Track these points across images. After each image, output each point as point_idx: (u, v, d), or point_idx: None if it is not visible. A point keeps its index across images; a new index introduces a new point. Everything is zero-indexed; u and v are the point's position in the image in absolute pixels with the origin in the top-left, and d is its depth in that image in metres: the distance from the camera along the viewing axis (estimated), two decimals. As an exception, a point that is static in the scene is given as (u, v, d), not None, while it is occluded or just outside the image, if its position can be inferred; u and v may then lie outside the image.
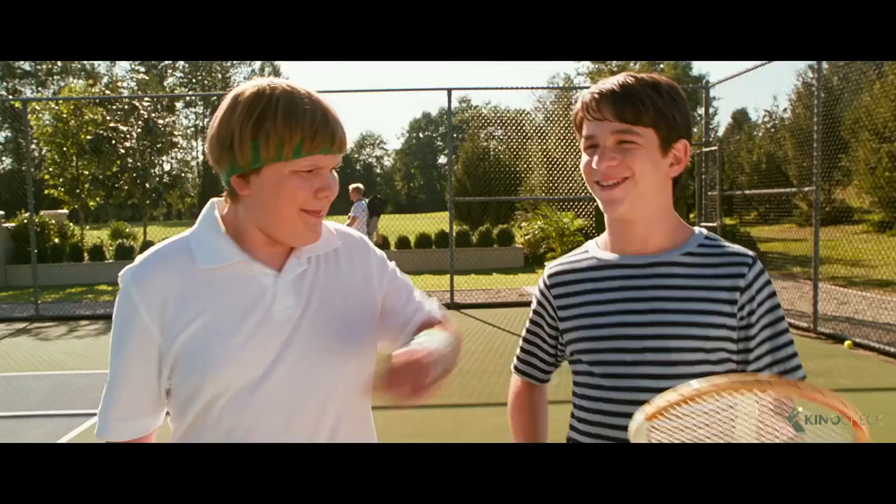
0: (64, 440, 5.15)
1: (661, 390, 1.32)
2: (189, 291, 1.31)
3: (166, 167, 24.76)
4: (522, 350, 1.74)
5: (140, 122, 21.19)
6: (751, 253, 1.47)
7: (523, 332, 1.74)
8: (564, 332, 1.57)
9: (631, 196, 1.43)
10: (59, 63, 61.09)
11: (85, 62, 60.57)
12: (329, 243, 1.44)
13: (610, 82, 1.44)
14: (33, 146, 18.54)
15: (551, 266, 1.64)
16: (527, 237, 17.25)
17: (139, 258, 1.35)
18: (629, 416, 1.37)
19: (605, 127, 1.42)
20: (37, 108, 18.26)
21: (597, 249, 1.57)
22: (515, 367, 1.76)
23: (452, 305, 11.12)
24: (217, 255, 1.33)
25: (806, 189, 9.27)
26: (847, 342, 7.70)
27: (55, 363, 7.94)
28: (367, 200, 12.93)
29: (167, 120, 23.27)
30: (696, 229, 1.53)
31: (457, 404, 5.84)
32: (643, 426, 1.11)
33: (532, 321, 1.70)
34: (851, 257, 14.33)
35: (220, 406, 1.31)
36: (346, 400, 1.41)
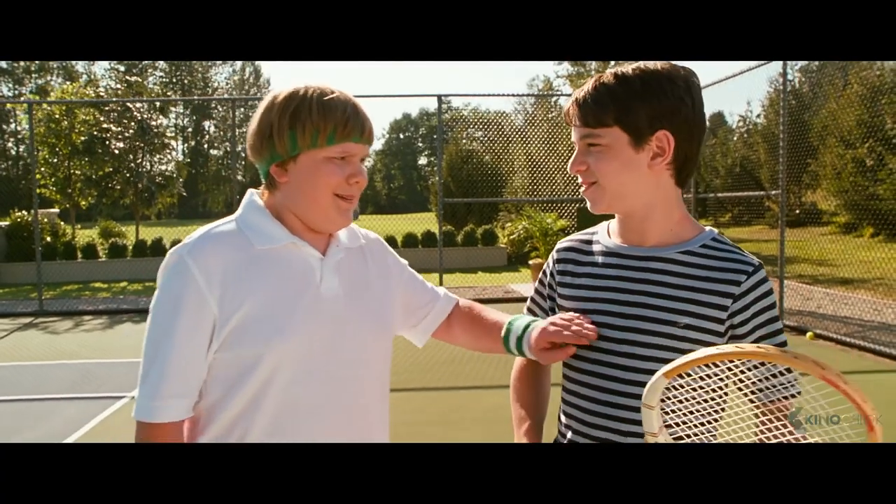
0: (96, 420, 5.63)
1: (627, 384, 1.41)
2: (247, 266, 1.37)
3: (160, 167, 24.93)
4: None
5: (133, 123, 21.44)
6: (755, 261, 1.42)
7: (528, 302, 1.75)
8: (560, 308, 1.58)
9: (605, 197, 1.45)
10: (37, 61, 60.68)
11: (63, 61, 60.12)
12: (357, 240, 1.57)
13: (584, 86, 1.46)
14: (24, 147, 18.70)
15: (563, 241, 1.66)
16: (511, 237, 17.80)
17: (193, 237, 1.38)
18: (594, 413, 1.46)
19: (576, 132, 1.46)
20: (27, 107, 18.51)
21: (604, 235, 1.57)
22: None
23: (442, 301, 11.68)
24: (271, 237, 1.41)
25: (773, 192, 9.92)
26: (809, 333, 8.36)
27: (71, 353, 8.37)
28: None
29: (159, 121, 23.57)
30: (707, 229, 1.49)
31: (454, 387, 6.44)
32: (661, 383, 1.15)
33: (537, 291, 1.70)
34: (818, 257, 15.09)
35: (279, 380, 1.36)
36: (377, 377, 1.53)
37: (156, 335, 1.33)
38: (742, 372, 1.19)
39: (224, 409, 1.37)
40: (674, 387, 1.21)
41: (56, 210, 20.85)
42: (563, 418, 1.57)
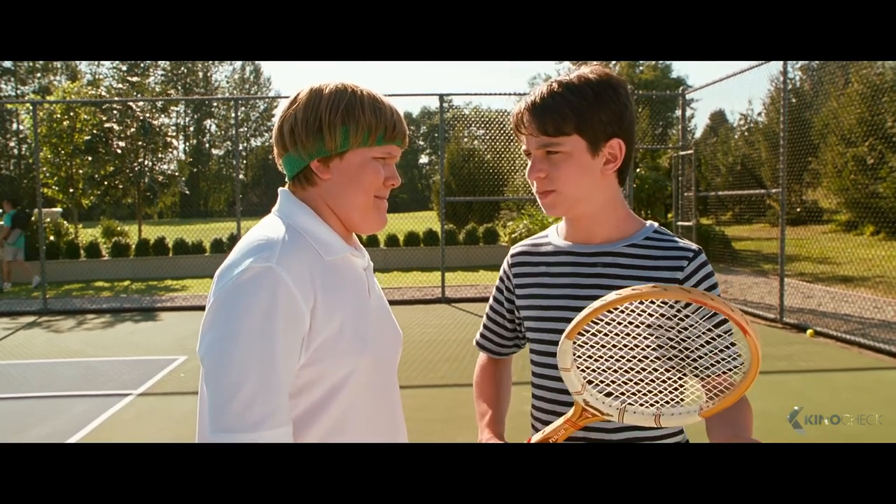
0: (103, 417, 5.68)
1: None
2: (326, 279, 1.31)
3: (162, 167, 24.98)
4: (484, 325, 1.81)
5: (136, 123, 21.45)
6: (694, 247, 1.51)
7: (487, 308, 1.82)
8: (520, 308, 1.66)
9: (563, 204, 1.52)
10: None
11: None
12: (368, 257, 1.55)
13: (534, 93, 1.50)
14: (26, 146, 18.74)
15: (516, 246, 1.73)
16: (513, 235, 17.83)
17: (271, 246, 1.28)
18: (561, 403, 1.53)
19: (533, 141, 1.50)
20: (29, 107, 18.54)
21: (555, 236, 1.66)
22: (477, 342, 1.85)
23: (444, 300, 11.77)
24: (334, 247, 1.38)
25: (774, 191, 9.96)
26: (809, 331, 8.40)
27: (76, 351, 8.42)
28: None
29: (161, 121, 23.58)
30: (648, 223, 1.58)
31: (456, 384, 6.50)
32: (567, 345, 1.24)
33: (494, 297, 1.77)
34: (819, 255, 15.13)
35: (347, 390, 1.32)
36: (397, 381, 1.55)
37: (252, 356, 1.19)
38: (646, 313, 1.27)
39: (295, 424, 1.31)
40: (579, 345, 1.29)
41: (59, 209, 20.89)
42: (533, 412, 1.65)
